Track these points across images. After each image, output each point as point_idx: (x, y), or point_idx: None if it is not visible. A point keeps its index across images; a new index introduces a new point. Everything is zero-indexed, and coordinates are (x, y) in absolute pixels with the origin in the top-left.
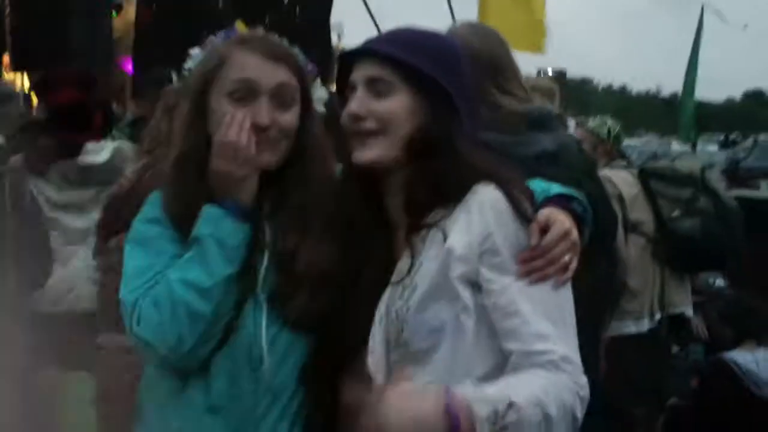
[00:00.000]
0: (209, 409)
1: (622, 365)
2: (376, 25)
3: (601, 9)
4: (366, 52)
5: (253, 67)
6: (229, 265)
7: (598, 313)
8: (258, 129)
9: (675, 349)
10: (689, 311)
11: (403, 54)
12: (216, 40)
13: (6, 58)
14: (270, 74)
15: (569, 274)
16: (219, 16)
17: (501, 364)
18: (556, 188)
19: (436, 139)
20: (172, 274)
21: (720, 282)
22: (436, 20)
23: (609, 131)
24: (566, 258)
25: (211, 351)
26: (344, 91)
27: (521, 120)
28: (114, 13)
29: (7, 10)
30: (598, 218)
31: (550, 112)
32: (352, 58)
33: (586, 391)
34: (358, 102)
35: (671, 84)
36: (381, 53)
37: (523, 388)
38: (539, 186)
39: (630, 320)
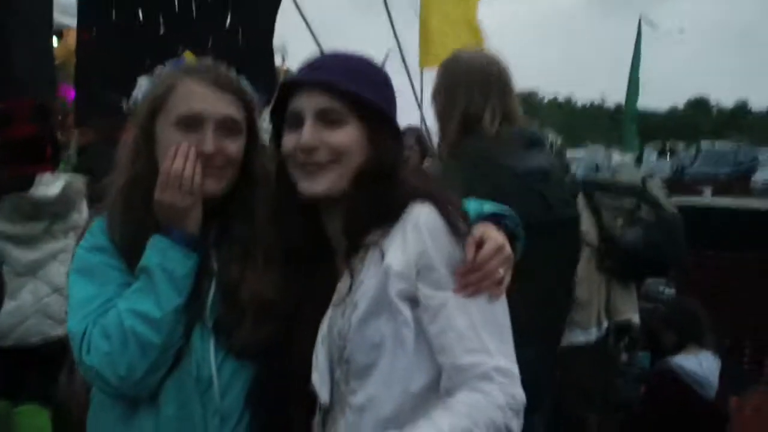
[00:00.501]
0: None
1: (572, 374)
2: (319, 45)
3: (540, 20)
4: (316, 83)
5: (199, 97)
6: (178, 295)
7: (554, 324)
8: (203, 157)
9: (624, 356)
10: (636, 319)
11: (354, 86)
12: (165, 69)
13: None
14: (216, 104)
15: (504, 287)
16: (161, 41)
17: (438, 378)
18: (488, 207)
19: (384, 167)
20: (121, 305)
21: (670, 290)
22: (378, 39)
23: (551, 145)
24: (501, 272)
25: (161, 378)
26: (278, 117)
27: (521, 139)
28: (55, 38)
29: None
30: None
31: (543, 135)
32: (295, 86)
33: (517, 402)
34: (310, 133)
35: (616, 94)
36: (334, 86)
37: (447, 422)
38: (472, 205)
39: (578, 330)
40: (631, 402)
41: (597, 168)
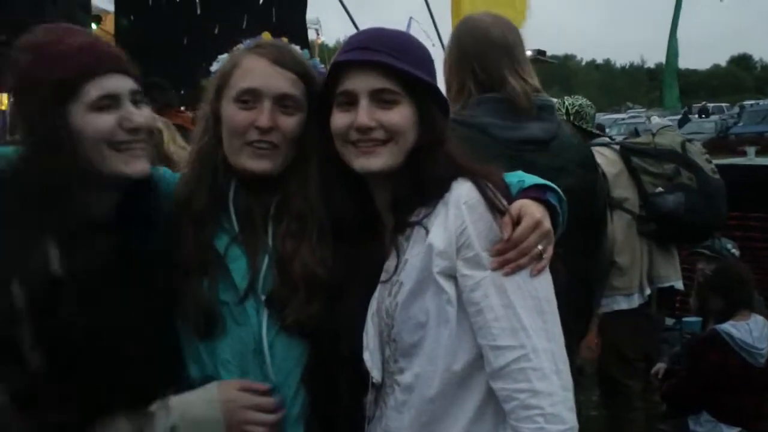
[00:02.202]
0: None
1: (614, 341)
2: (352, 20)
3: None
4: (371, 63)
5: (258, 73)
6: None
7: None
8: (261, 131)
9: (670, 321)
10: (679, 284)
11: (407, 65)
12: (241, 46)
13: None
14: (274, 81)
15: (544, 263)
16: (198, 21)
17: (480, 356)
18: (530, 179)
19: (435, 144)
20: None
21: (735, 250)
22: (411, 10)
23: (567, 110)
24: (539, 248)
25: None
26: (328, 97)
27: (527, 107)
28: (94, 23)
29: None
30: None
31: (551, 103)
32: (346, 66)
33: (549, 399)
34: (366, 113)
35: (656, 54)
36: (390, 66)
37: None
38: (514, 178)
39: (620, 296)
40: (674, 369)
41: (636, 132)
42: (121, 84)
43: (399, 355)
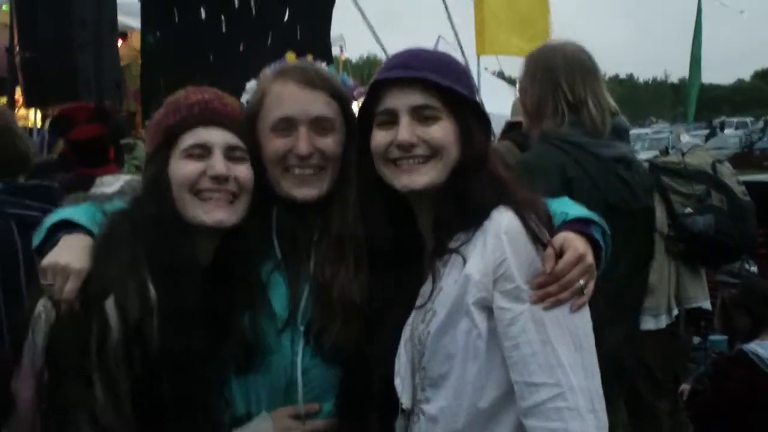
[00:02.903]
0: None
1: (642, 361)
2: (376, 37)
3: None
4: (411, 80)
5: (289, 100)
6: None
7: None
8: (300, 158)
9: (696, 340)
10: (707, 304)
11: (447, 81)
12: (267, 71)
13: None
14: (307, 105)
15: (585, 298)
16: (224, 39)
17: (510, 392)
18: (574, 211)
19: (478, 162)
20: None
21: (753, 268)
22: (434, 27)
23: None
24: (581, 282)
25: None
26: (367, 116)
27: (601, 130)
28: (120, 41)
29: (17, 48)
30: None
31: (627, 126)
32: (385, 85)
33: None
34: (407, 130)
35: (680, 69)
36: (431, 82)
37: None
38: (559, 208)
39: (648, 316)
40: (699, 387)
41: (666, 150)
42: (217, 136)
43: (427, 384)
